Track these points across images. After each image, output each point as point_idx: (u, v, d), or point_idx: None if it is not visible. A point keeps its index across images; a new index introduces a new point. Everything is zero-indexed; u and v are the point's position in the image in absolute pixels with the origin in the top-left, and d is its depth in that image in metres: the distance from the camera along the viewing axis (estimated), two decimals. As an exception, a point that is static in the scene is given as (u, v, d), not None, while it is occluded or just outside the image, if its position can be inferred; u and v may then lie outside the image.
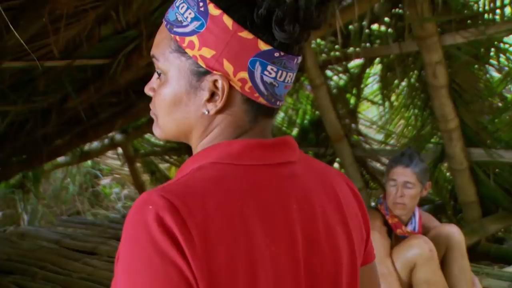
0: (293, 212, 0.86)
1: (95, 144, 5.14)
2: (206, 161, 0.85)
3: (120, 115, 3.91)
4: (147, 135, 5.67)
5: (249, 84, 0.84)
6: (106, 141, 5.17)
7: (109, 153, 6.03)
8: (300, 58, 0.88)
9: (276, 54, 0.84)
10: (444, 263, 2.61)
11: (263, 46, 0.83)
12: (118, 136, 5.17)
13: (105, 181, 6.49)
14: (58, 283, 3.43)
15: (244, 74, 0.84)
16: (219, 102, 0.85)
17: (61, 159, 5.26)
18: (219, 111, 0.86)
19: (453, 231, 2.66)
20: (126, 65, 3.13)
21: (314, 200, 0.90)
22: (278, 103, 0.88)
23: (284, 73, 0.86)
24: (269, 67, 0.85)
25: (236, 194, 0.82)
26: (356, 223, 0.96)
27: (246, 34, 0.83)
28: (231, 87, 0.84)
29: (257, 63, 0.84)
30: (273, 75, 0.85)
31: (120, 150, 5.71)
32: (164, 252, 0.75)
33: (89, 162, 6.15)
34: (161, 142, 5.77)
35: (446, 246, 2.63)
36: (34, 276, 3.55)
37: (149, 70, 3.44)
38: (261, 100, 0.86)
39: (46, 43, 2.70)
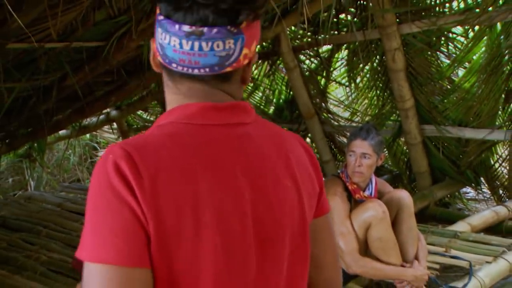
0: (241, 166, 0.88)
1: (93, 119, 5.12)
2: (165, 121, 0.89)
3: (113, 92, 3.89)
4: (139, 112, 5.66)
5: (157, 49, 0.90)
6: (102, 116, 5.15)
7: (106, 127, 6.00)
8: (185, 27, 0.85)
9: (160, 18, 0.88)
10: (395, 223, 2.67)
11: (158, 13, 0.89)
12: (113, 112, 5.14)
13: (102, 152, 6.47)
14: (59, 240, 3.45)
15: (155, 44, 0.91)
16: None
17: (62, 132, 5.23)
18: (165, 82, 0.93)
19: (403, 195, 2.71)
20: (118, 47, 3.11)
21: (264, 157, 0.91)
22: (173, 65, 0.88)
23: (168, 36, 0.86)
24: (158, 29, 0.89)
25: (188, 148, 0.85)
26: (307, 178, 0.96)
27: (157, 10, 0.89)
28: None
29: (156, 28, 0.89)
30: (160, 36, 0.88)
31: (115, 125, 5.68)
32: (119, 194, 0.79)
33: (87, 135, 6.11)
34: (152, 118, 5.76)
35: (397, 208, 2.68)
36: (39, 233, 3.58)
37: (138, 52, 3.44)
38: (161, 61, 0.90)
39: (46, 26, 2.68)
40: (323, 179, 1.03)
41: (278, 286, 0.91)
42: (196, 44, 0.85)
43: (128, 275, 0.77)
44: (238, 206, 0.85)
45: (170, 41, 0.86)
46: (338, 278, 1.06)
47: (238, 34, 0.86)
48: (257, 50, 0.95)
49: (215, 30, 0.85)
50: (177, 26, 0.85)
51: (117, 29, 3.07)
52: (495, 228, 3.71)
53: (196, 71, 0.87)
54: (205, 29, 0.84)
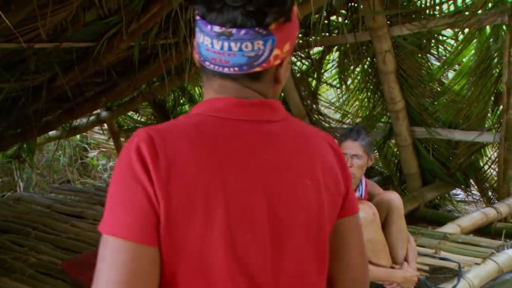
0: (259, 162, 0.91)
1: (83, 120, 5.09)
2: (194, 112, 0.95)
3: (104, 93, 3.87)
4: (130, 113, 5.63)
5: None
6: (92, 117, 5.12)
7: (96, 128, 5.97)
8: (216, 27, 0.89)
9: (197, 18, 0.93)
10: (385, 225, 2.67)
11: (196, 14, 0.94)
12: (103, 113, 5.12)
13: (92, 153, 6.44)
14: (48, 241, 3.42)
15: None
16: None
17: (52, 133, 5.20)
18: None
19: (393, 197, 2.71)
20: (108, 48, 3.09)
21: (285, 155, 0.94)
22: (206, 63, 0.93)
23: (202, 36, 0.92)
24: (196, 29, 0.94)
25: (208, 138, 0.89)
26: (331, 179, 0.98)
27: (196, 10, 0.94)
28: None
29: (195, 27, 0.95)
30: (197, 35, 0.94)
31: (106, 125, 5.66)
32: (136, 175, 0.85)
33: (77, 136, 6.08)
34: (143, 119, 5.74)
35: (387, 210, 2.68)
36: (28, 235, 3.54)
37: (129, 53, 3.42)
38: (198, 58, 0.95)
39: (35, 26, 2.66)
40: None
41: (290, 278, 0.93)
42: (226, 44, 0.89)
43: (137, 251, 0.83)
44: (250, 199, 0.88)
45: (204, 41, 0.92)
46: (365, 279, 1.06)
47: (267, 35, 0.90)
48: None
49: (243, 31, 0.89)
50: (209, 27, 0.90)
51: (108, 29, 3.05)
52: (484, 230, 3.73)
53: (226, 70, 0.92)
54: (234, 30, 0.89)
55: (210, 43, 0.90)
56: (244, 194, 0.88)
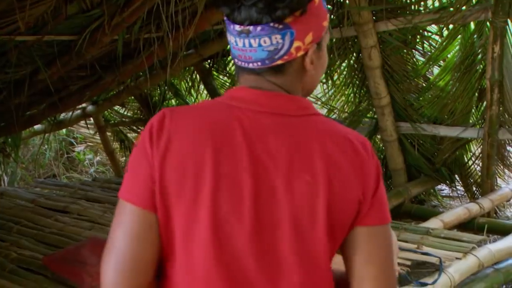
0: (252, 150, 0.94)
1: (69, 114, 5.05)
2: (217, 98, 1.04)
3: (88, 87, 3.84)
4: (117, 107, 5.60)
5: None
6: (78, 111, 5.08)
7: (82, 123, 5.93)
8: (236, 26, 0.98)
9: (225, 19, 1.01)
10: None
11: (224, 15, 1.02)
12: (89, 107, 5.08)
13: (79, 148, 6.40)
14: (31, 236, 3.39)
15: None
16: None
17: (38, 127, 5.15)
18: None
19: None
20: (91, 42, 3.07)
21: (284, 148, 0.95)
22: (235, 60, 1.02)
23: (229, 35, 1.01)
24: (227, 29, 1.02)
25: (210, 121, 0.97)
26: (343, 181, 0.96)
27: None
28: None
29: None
30: (227, 35, 1.02)
31: (92, 120, 5.62)
32: (144, 147, 0.95)
33: (64, 130, 6.03)
34: (129, 113, 5.71)
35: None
36: (10, 230, 3.51)
37: (113, 47, 3.40)
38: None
39: (15, 19, 2.63)
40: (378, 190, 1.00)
41: (271, 266, 0.94)
42: (246, 41, 0.97)
43: (139, 214, 0.94)
44: (238, 184, 0.93)
45: (230, 39, 1.01)
46: None
47: (284, 29, 0.96)
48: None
49: (259, 27, 0.96)
50: (232, 26, 0.99)
51: (90, 23, 3.03)
52: (467, 225, 3.75)
53: (251, 65, 0.99)
54: (251, 28, 0.96)
55: (234, 41, 0.99)
56: (233, 178, 0.92)
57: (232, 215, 0.92)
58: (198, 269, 0.92)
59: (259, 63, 0.98)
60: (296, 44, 0.96)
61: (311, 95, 5.43)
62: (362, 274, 0.99)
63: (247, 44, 0.97)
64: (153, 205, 0.93)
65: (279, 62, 0.97)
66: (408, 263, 2.87)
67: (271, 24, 0.95)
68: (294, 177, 0.94)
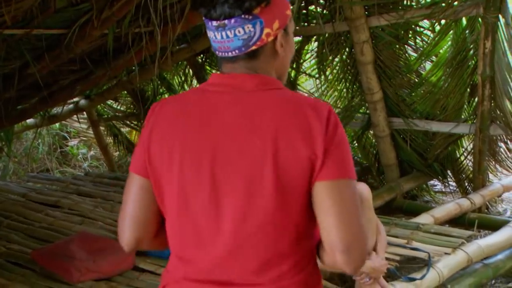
0: (218, 121, 1.13)
1: (62, 108, 5.02)
2: (199, 86, 1.25)
3: (79, 81, 3.81)
4: (110, 101, 5.58)
5: None
6: (71, 106, 5.06)
7: (75, 117, 5.91)
8: (214, 22, 1.14)
9: (204, 19, 1.18)
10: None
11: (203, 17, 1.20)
12: (82, 102, 5.06)
13: (72, 142, 6.37)
14: (21, 231, 3.38)
15: None
16: None
17: (31, 121, 5.13)
18: None
19: (362, 188, 2.69)
20: (80, 36, 3.04)
21: (248, 117, 1.11)
22: (216, 52, 1.18)
23: (208, 31, 1.17)
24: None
25: (184, 104, 1.18)
26: (292, 142, 1.08)
27: None
28: None
29: None
30: (207, 32, 1.19)
31: (85, 114, 5.60)
32: (144, 127, 1.20)
33: (57, 125, 6.01)
34: (122, 108, 5.69)
35: (358, 200, 2.68)
36: (0, 224, 3.50)
37: (103, 41, 3.37)
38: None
39: (2, 12, 2.60)
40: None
41: (229, 223, 1.10)
42: (224, 34, 1.14)
43: (137, 180, 1.20)
44: (199, 150, 1.12)
45: (210, 35, 1.17)
46: (343, 244, 1.08)
47: (254, 19, 1.13)
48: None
49: (233, 20, 1.13)
50: (210, 23, 1.15)
51: (80, 17, 3.00)
52: (458, 220, 3.75)
53: (229, 54, 1.16)
54: (226, 21, 1.13)
55: (214, 35, 1.15)
56: (195, 148, 1.12)
57: (194, 178, 1.12)
58: (171, 220, 1.17)
59: (236, 51, 1.15)
60: (266, 30, 1.14)
61: (304, 89, 5.43)
62: (324, 225, 1.09)
63: (224, 36, 1.14)
64: (146, 172, 1.17)
65: (254, 47, 1.14)
66: (398, 258, 2.88)
67: (243, 16, 1.12)
68: (247, 141, 1.09)
